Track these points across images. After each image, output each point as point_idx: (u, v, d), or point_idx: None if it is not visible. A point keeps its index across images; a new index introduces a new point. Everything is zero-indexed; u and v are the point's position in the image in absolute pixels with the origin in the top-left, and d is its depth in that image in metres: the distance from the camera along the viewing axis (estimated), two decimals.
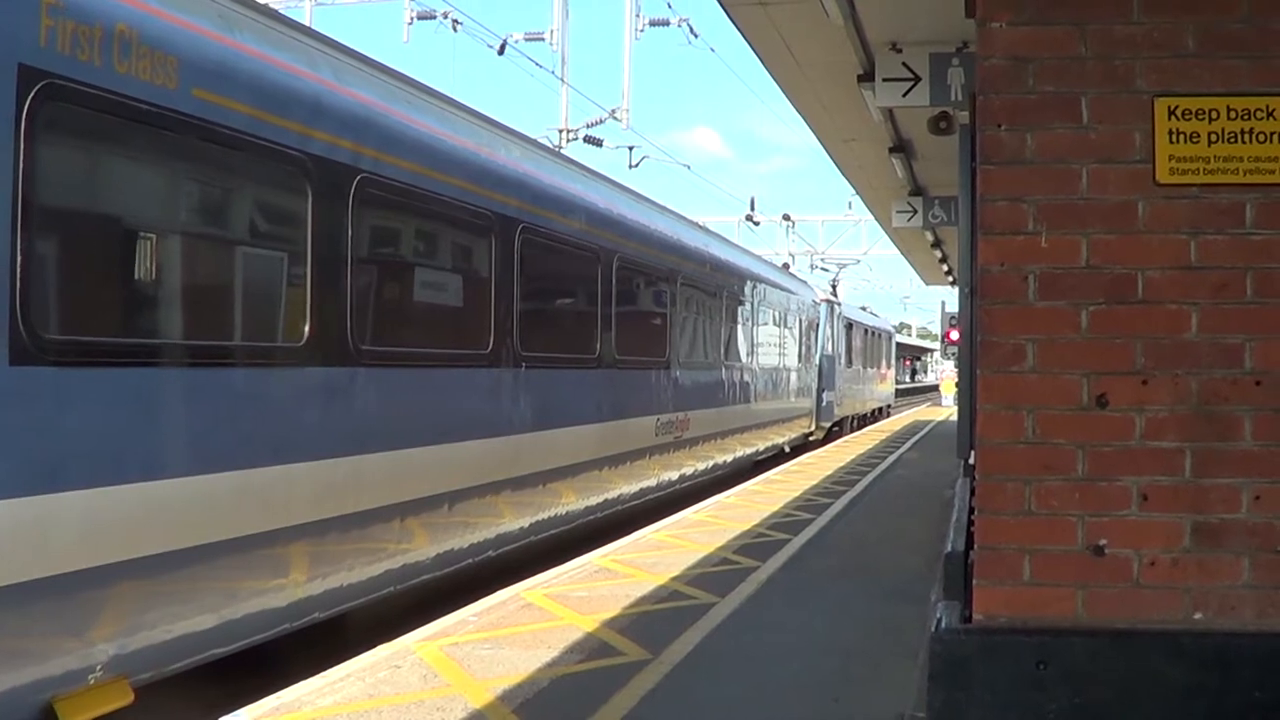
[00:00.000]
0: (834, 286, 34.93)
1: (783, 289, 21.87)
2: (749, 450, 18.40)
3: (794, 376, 22.39)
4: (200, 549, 5.53)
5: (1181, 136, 4.10)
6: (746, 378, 18.09)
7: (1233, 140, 4.09)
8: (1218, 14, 4.10)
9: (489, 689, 5.71)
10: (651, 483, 13.00)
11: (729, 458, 16.93)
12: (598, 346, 11.19)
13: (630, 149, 27.66)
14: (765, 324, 19.81)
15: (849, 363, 30.34)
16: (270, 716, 5.27)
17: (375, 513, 6.96)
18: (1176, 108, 4.10)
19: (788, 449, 21.79)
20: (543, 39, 23.19)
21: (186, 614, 5.48)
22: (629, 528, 11.26)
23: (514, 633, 6.88)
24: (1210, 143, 4.09)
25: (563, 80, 23.42)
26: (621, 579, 8.60)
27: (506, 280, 8.89)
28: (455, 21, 21.72)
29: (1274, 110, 4.08)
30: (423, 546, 7.57)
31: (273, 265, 6.55)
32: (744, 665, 6.25)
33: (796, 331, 23.03)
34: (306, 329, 6.38)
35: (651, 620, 7.24)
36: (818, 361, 25.27)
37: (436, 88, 8.62)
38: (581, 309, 11.28)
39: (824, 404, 25.66)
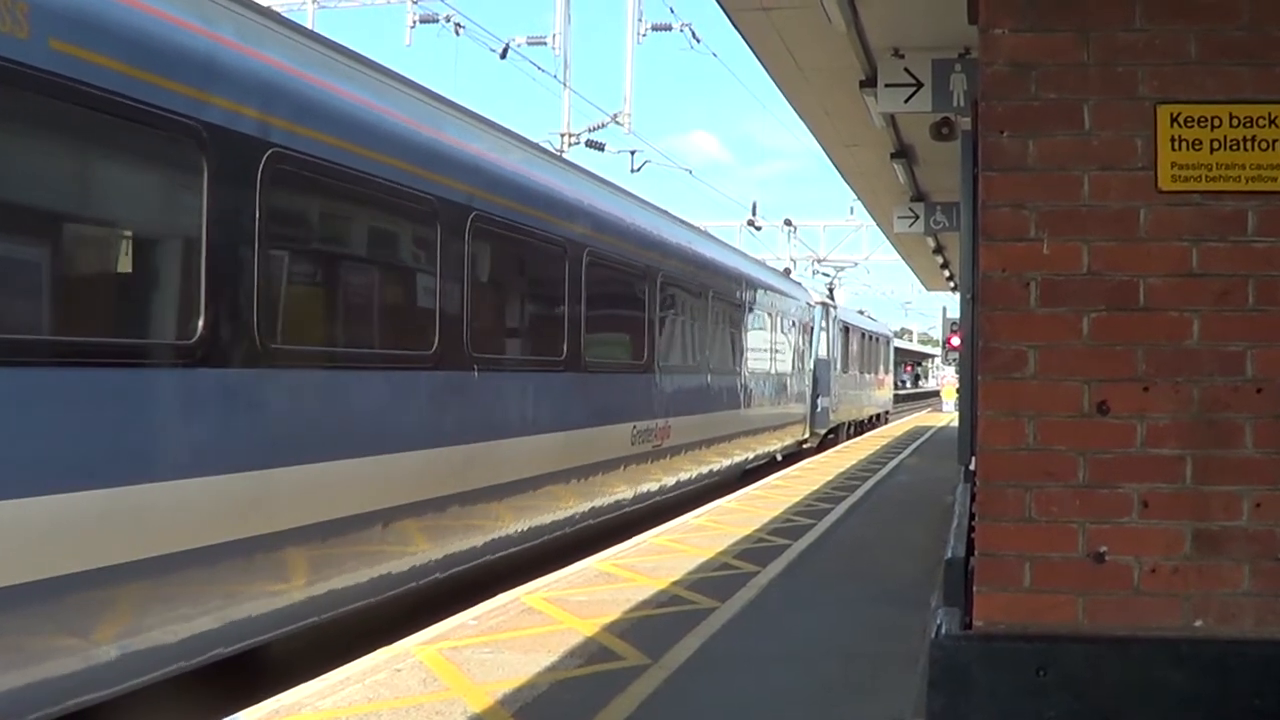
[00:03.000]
0: (831, 289, 34.66)
1: (775, 290, 21.11)
2: (738, 459, 17.51)
3: (787, 381, 21.56)
4: (62, 580, 4.77)
5: (1183, 143, 4.11)
6: (735, 382, 17.22)
7: (1235, 147, 4.09)
8: (1220, 21, 4.10)
9: (488, 693, 5.71)
10: (628, 495, 12.07)
11: (716, 467, 16.08)
12: (564, 348, 10.24)
13: (632, 153, 27.70)
14: (756, 326, 18.97)
15: (845, 367, 29.73)
16: (269, 719, 5.27)
17: (290, 534, 6.21)
18: (1178, 115, 4.11)
19: (780, 457, 21.03)
20: (545, 43, 23.21)
21: (52, 655, 4.77)
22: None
23: (514, 636, 6.88)
24: (1212, 150, 4.10)
25: (565, 84, 23.46)
26: (622, 583, 8.60)
27: (454, 274, 8.07)
28: (458, 25, 21.74)
29: (1276, 118, 4.09)
30: (352, 570, 6.81)
31: (155, 251, 5.73)
32: (744, 670, 6.25)
33: (790, 335, 22.29)
34: (199, 324, 5.57)
35: (651, 625, 7.23)
36: (812, 366, 24.65)
37: (372, 57, 7.81)
38: (546, 307, 10.37)
39: (819, 410, 25.04)
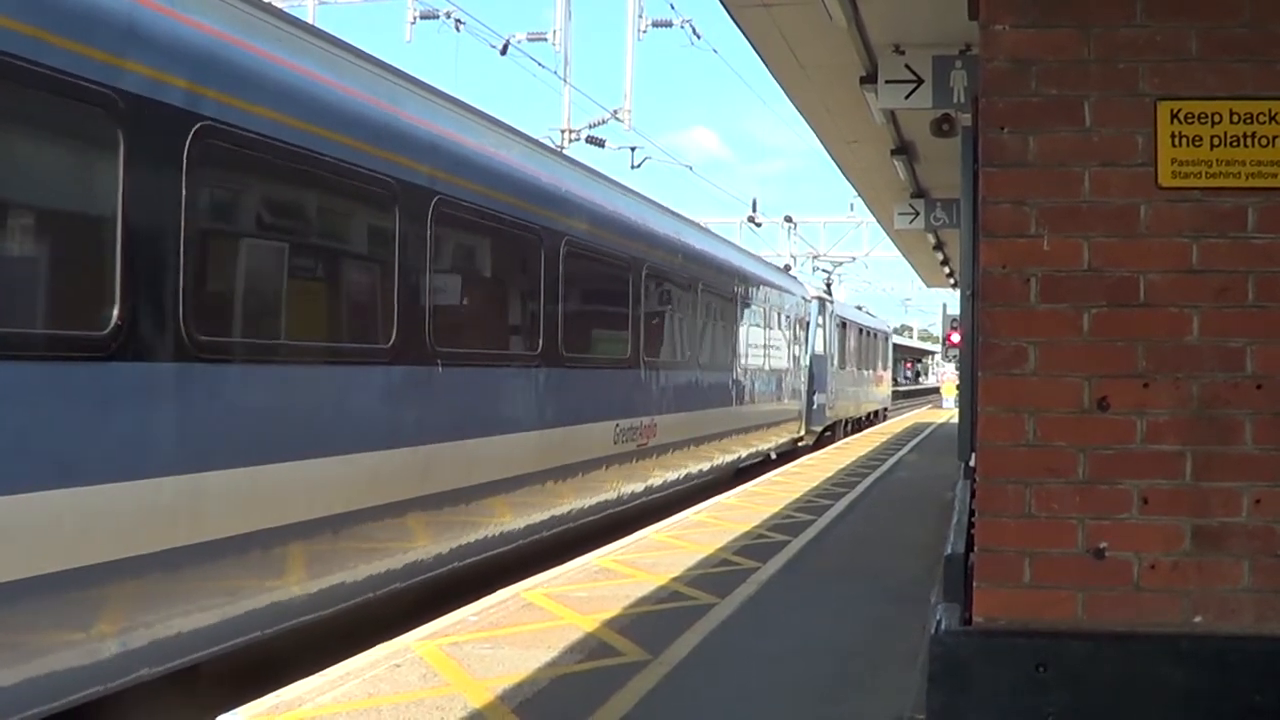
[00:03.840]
0: (828, 284, 34.38)
1: (769, 284, 20.55)
2: (729, 458, 16.93)
3: (781, 377, 21.00)
4: None
5: (1184, 140, 4.10)
6: (726, 378, 16.67)
7: (1235, 144, 4.09)
8: (1220, 17, 4.10)
9: (488, 688, 5.71)
10: (610, 496, 11.48)
11: (705, 466, 15.45)
12: (540, 342, 9.62)
13: (632, 150, 27.71)
14: (748, 321, 18.37)
15: (842, 363, 29.26)
16: (269, 715, 5.28)
17: (225, 544, 5.71)
18: (1179, 111, 4.11)
19: (774, 455, 20.48)
20: (545, 39, 23.23)
21: None
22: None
23: (514, 632, 6.88)
24: (1212, 146, 4.10)
25: (565, 81, 23.46)
26: (622, 579, 8.61)
27: (416, 262, 7.53)
28: (458, 21, 21.74)
29: (1276, 114, 4.08)
30: (299, 582, 6.30)
31: (60, 233, 5.17)
32: (744, 666, 6.26)
33: (785, 330, 21.65)
34: (114, 314, 5.04)
35: (652, 621, 7.24)
36: (808, 362, 24.15)
37: (322, 28, 7.32)
38: (520, 299, 9.73)
39: (815, 407, 24.55)
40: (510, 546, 9.04)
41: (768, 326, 20.05)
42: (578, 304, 10.68)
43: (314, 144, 6.48)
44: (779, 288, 21.56)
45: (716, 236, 19.13)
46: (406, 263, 7.45)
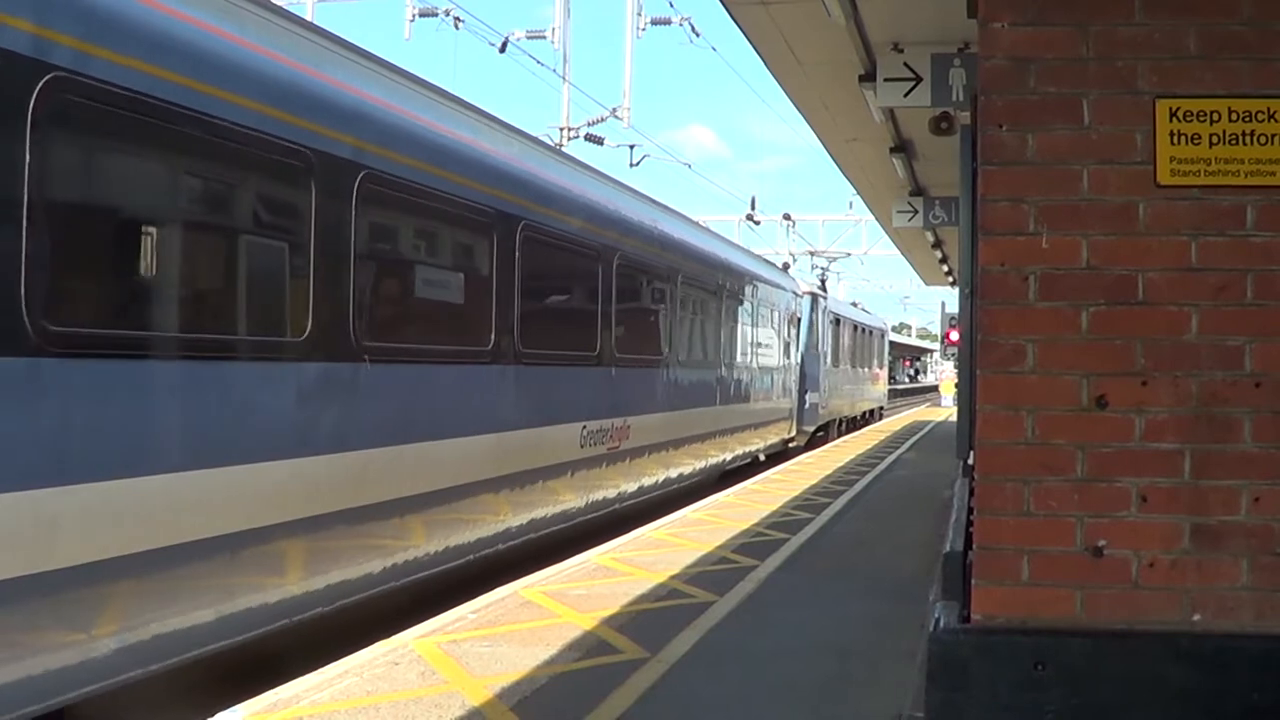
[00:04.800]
0: (823, 280, 34.07)
1: (758, 278, 19.60)
2: (713, 460, 16.01)
3: (771, 375, 20.10)
4: None
5: (1182, 138, 4.11)
6: (709, 376, 15.79)
7: (1234, 142, 4.09)
8: (1219, 16, 4.10)
9: (487, 686, 5.71)
10: (578, 504, 10.63)
11: (686, 470, 14.50)
12: (493, 338, 8.72)
13: (631, 148, 27.69)
14: (734, 316, 17.48)
15: (836, 361, 28.68)
16: (268, 712, 5.27)
17: (91, 570, 4.93)
18: (1178, 109, 4.11)
19: (763, 458, 19.69)
20: (544, 37, 23.23)
21: None
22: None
23: (512, 630, 6.88)
24: (1211, 144, 4.10)
25: (564, 78, 23.46)
26: (620, 577, 8.61)
27: (337, 245, 6.70)
28: (457, 19, 21.75)
29: (1275, 112, 4.09)
30: (196, 609, 5.58)
31: None
32: (742, 664, 6.26)
33: (775, 326, 20.81)
34: None
35: (650, 618, 7.24)
36: (800, 360, 23.54)
37: None
38: (466, 289, 8.74)
39: (807, 406, 23.96)
40: (460, 561, 8.28)
41: (756, 322, 19.24)
42: (538, 295, 9.91)
43: (204, 105, 5.63)
44: (768, 282, 20.80)
45: (699, 226, 17.82)
46: (325, 245, 6.60)
